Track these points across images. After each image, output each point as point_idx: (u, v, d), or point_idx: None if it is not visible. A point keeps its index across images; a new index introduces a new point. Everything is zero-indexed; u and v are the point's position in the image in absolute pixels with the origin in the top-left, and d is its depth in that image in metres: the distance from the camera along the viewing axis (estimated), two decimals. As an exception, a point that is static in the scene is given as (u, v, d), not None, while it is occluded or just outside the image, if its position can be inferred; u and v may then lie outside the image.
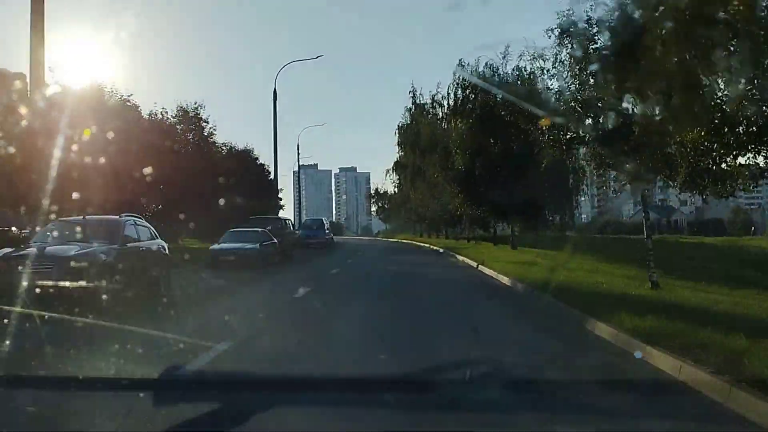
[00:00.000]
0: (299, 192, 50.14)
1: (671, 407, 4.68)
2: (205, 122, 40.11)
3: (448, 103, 25.79)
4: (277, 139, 33.17)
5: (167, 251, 12.15)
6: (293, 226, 28.82)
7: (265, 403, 4.17)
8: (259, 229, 20.97)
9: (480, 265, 18.93)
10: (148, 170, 30.72)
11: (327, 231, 39.30)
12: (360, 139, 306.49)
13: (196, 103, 39.71)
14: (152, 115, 36.27)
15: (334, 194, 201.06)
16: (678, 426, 4.24)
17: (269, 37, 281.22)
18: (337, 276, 17.32)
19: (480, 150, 24.14)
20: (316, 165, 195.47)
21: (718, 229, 67.28)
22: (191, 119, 39.85)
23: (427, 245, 39.49)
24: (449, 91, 25.77)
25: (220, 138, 48.08)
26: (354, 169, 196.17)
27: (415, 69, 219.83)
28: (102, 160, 24.76)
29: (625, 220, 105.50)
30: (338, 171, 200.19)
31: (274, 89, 33.47)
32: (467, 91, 25.34)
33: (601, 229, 63.55)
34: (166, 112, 38.01)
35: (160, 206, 33.05)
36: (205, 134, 40.24)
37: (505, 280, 14.57)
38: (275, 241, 21.52)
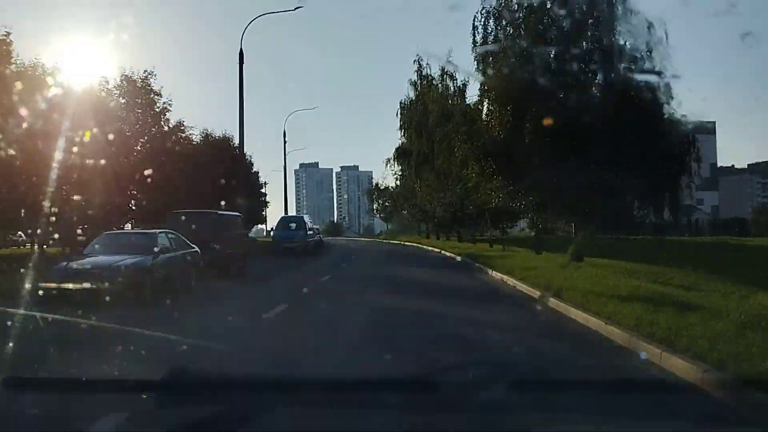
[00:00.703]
0: (285, 187, 41.72)
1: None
2: (158, 95, 31.80)
3: (474, 41, 17.10)
4: (244, 112, 24.94)
5: None
6: (243, 223, 19.89)
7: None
8: (159, 232, 12.17)
9: (548, 297, 10.30)
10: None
11: (311, 232, 30.90)
12: (358, 127, 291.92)
13: (145, 71, 31.34)
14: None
15: (335, 194, 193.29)
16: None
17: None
18: (274, 329, 8.61)
19: (526, 107, 15.47)
20: (316, 164, 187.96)
21: (742, 230, 59.53)
22: (139, 91, 31.44)
23: (438, 250, 31.06)
24: (475, 23, 17.06)
25: (202, 128, 39.96)
26: (356, 167, 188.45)
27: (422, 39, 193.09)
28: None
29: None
30: (339, 170, 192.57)
31: (240, 50, 25.20)
32: (504, 22, 16.71)
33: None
34: (107, 82, 29.70)
35: (81, 198, 24.50)
36: (157, 110, 31.90)
37: (679, 370, 5.46)
38: (195, 249, 12.97)
